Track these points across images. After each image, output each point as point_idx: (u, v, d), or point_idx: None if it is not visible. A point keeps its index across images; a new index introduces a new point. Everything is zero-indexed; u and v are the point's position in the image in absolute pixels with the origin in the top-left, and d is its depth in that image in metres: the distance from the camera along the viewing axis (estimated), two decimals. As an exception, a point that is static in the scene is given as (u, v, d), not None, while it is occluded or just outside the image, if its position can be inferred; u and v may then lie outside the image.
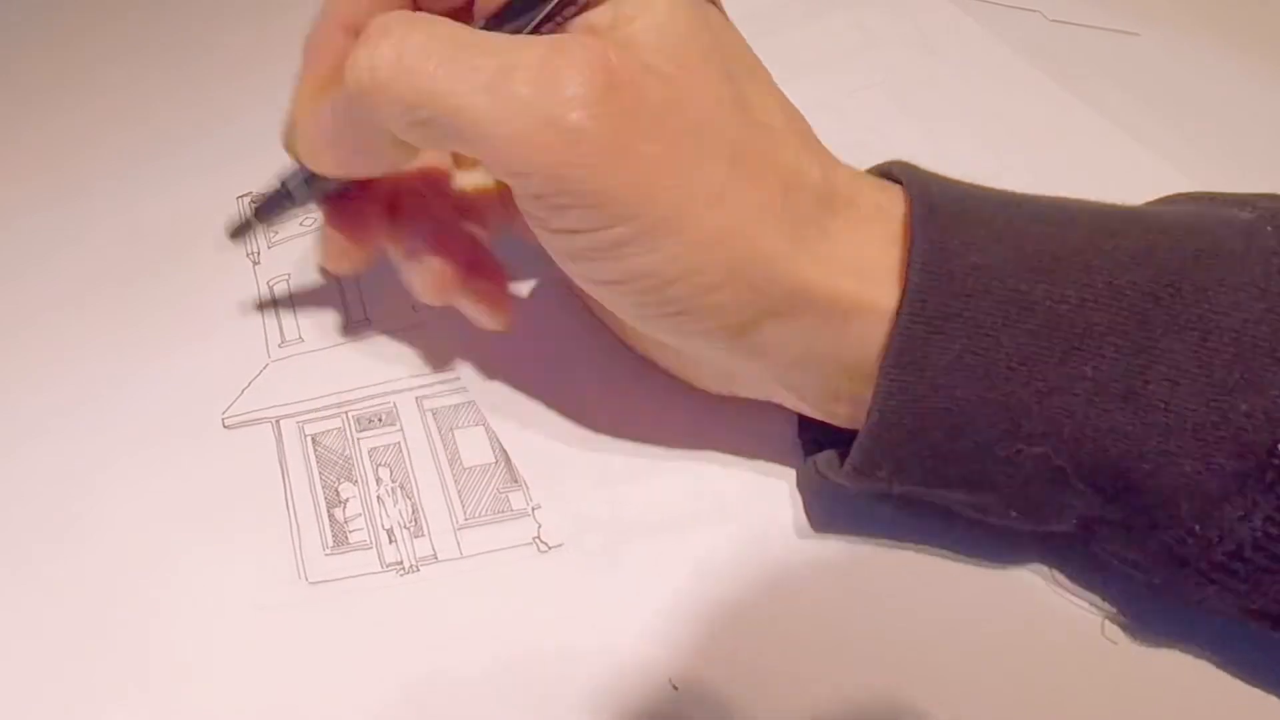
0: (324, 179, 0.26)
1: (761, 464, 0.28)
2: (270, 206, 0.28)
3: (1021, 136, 0.36)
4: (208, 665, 0.26)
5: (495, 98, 0.20)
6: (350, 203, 0.28)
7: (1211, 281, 0.21)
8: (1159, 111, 0.36)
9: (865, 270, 0.22)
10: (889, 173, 0.25)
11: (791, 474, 0.28)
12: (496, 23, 0.22)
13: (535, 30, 0.21)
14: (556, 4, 0.21)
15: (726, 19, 0.23)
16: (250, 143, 0.39)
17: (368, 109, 0.21)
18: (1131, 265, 0.21)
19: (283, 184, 0.27)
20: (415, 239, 0.27)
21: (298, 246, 0.35)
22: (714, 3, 0.23)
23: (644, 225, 0.21)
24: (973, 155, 0.36)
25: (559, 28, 0.21)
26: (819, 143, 0.24)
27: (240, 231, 0.31)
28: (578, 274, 0.24)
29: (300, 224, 0.36)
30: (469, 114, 0.20)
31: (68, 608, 0.27)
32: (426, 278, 0.27)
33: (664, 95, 0.20)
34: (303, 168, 0.27)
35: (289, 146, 0.26)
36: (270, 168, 0.38)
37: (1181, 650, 0.24)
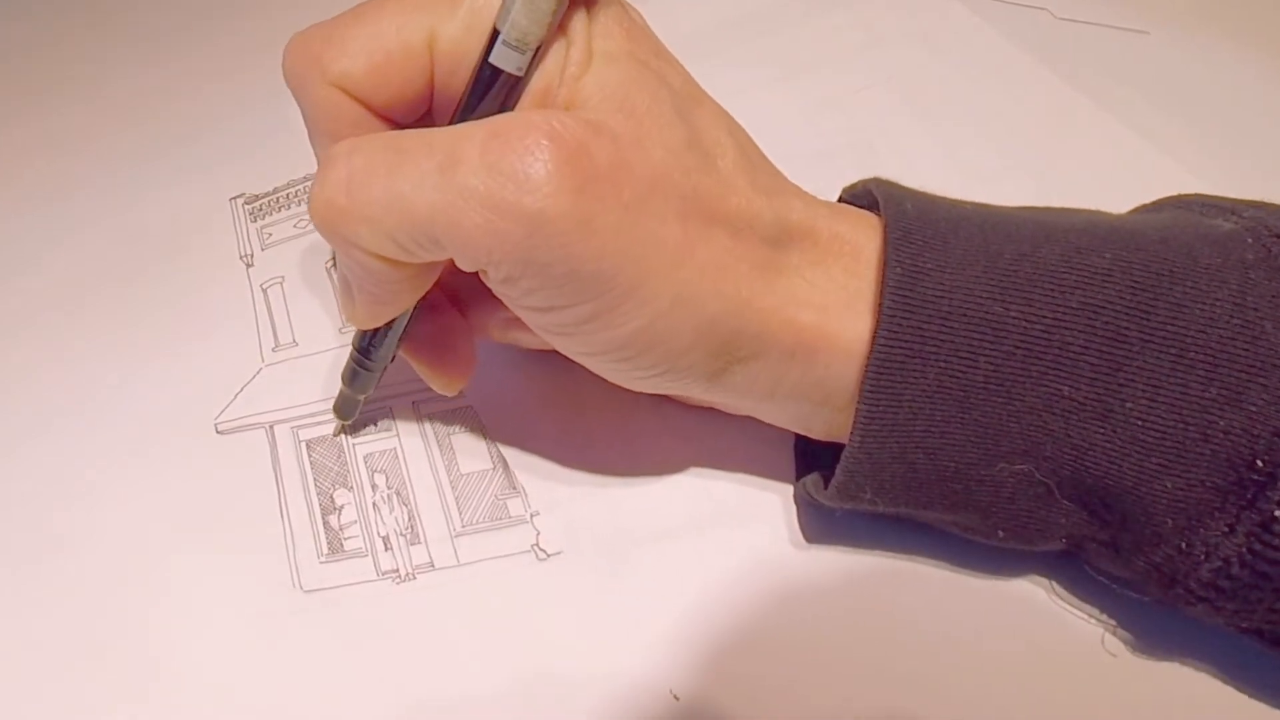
0: (383, 335, 0.26)
1: (762, 469, 0.28)
2: (355, 376, 0.28)
3: (1028, 136, 0.36)
4: (200, 674, 0.26)
5: (447, 195, 0.20)
6: (427, 339, 0.28)
7: (1186, 298, 0.21)
8: (1168, 111, 0.37)
9: (826, 303, 0.23)
10: (867, 190, 0.25)
11: (790, 483, 0.28)
12: (462, 119, 0.22)
13: (502, 111, 0.21)
14: (506, 82, 0.21)
15: (661, 45, 0.23)
16: (244, 144, 0.39)
17: (340, 242, 0.22)
18: (1105, 283, 0.21)
19: (352, 352, 0.27)
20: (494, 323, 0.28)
21: (291, 249, 0.36)
22: (643, 26, 0.23)
23: (612, 299, 0.21)
24: (978, 155, 0.36)
25: (511, 98, 0.21)
26: (770, 171, 0.24)
27: (345, 407, 0.29)
28: (555, 345, 0.24)
29: (294, 226, 0.36)
30: (427, 215, 0.20)
31: (57, 616, 0.27)
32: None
33: (613, 158, 0.20)
34: (359, 334, 0.27)
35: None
36: (264, 169, 0.38)
37: (1182, 663, 0.24)
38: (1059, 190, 0.34)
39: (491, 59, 0.21)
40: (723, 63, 0.39)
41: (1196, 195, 0.25)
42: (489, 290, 0.23)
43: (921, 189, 0.25)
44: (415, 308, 0.26)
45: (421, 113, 0.23)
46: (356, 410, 0.29)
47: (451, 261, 0.22)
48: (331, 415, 0.30)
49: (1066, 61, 0.39)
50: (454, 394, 0.28)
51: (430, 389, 0.31)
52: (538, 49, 0.21)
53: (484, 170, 0.19)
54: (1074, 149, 0.36)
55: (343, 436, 0.30)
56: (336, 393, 0.29)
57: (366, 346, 0.27)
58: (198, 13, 0.46)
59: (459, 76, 0.22)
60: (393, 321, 0.26)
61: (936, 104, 0.38)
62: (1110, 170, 0.35)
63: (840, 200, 0.27)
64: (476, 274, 0.22)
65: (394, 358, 0.27)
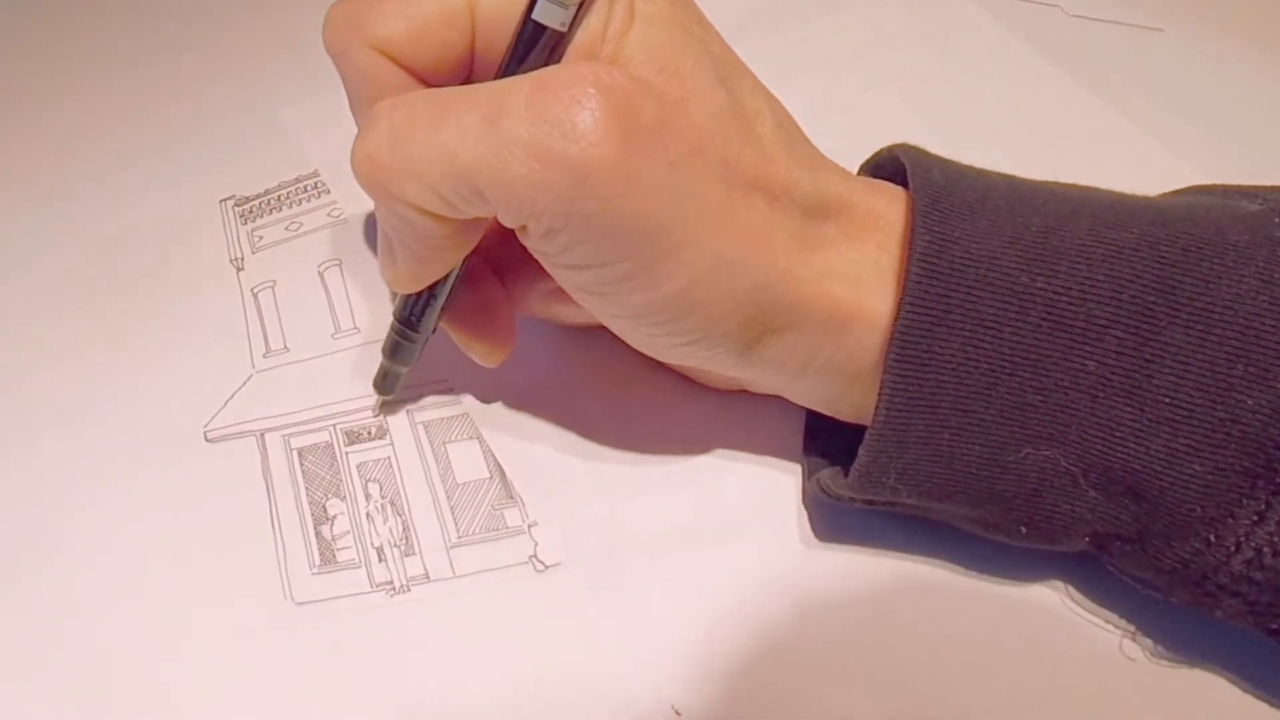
0: (425, 303, 0.27)
1: (767, 476, 0.29)
2: (397, 348, 0.28)
3: (1039, 136, 0.36)
4: (189, 688, 0.26)
5: (492, 146, 0.20)
6: (469, 310, 0.28)
7: (1214, 273, 0.21)
8: (1183, 111, 0.37)
9: (860, 277, 0.23)
10: (893, 157, 0.25)
11: (797, 487, 0.28)
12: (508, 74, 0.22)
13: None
14: (550, 38, 0.21)
15: (701, 14, 0.24)
16: (235, 145, 0.39)
17: (384, 197, 0.22)
18: (1134, 257, 0.21)
19: (393, 323, 0.28)
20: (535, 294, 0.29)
21: (283, 252, 0.36)
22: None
23: (652, 257, 0.21)
24: (988, 155, 0.36)
25: (555, 56, 0.22)
26: (807, 145, 0.24)
27: (385, 382, 0.30)
28: (590, 308, 0.24)
29: (286, 228, 0.36)
30: (471, 166, 0.20)
31: (42, 627, 0.27)
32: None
33: (659, 114, 0.21)
34: (401, 300, 0.27)
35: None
36: (255, 171, 0.38)
37: (1202, 669, 0.24)
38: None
39: (535, 15, 0.21)
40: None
41: (1216, 184, 0.25)
42: (531, 262, 0.24)
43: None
44: (456, 278, 0.26)
45: (463, 77, 0.24)
46: (397, 385, 0.30)
47: (494, 230, 0.22)
48: (321, 421, 0.30)
49: (1078, 60, 0.39)
50: (494, 365, 0.29)
51: (423, 396, 0.31)
52: (581, 3, 0.21)
53: (530, 120, 0.20)
54: (1085, 149, 0.36)
55: (336, 444, 0.30)
56: (330, 397, 0.29)
57: (409, 316, 0.27)
58: (189, 14, 0.46)
59: (500, 38, 0.22)
60: (436, 289, 0.26)
61: (944, 103, 0.38)
62: (1122, 171, 0.35)
63: (862, 168, 0.27)
64: (519, 246, 0.23)
65: (435, 329, 0.28)
